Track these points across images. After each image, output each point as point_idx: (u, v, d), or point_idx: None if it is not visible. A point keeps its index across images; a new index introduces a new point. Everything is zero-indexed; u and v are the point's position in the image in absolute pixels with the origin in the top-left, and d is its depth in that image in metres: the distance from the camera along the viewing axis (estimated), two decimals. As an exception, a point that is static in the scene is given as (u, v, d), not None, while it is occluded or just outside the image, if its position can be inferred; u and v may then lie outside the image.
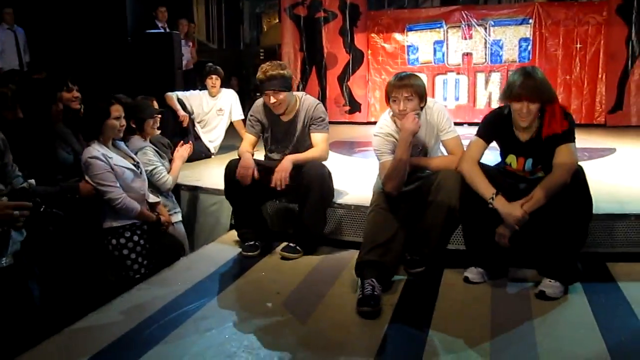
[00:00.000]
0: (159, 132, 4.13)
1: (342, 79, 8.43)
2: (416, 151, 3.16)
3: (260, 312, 2.70)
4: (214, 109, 5.69)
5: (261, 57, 9.24)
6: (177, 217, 3.84)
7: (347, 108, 8.55)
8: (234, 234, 3.73)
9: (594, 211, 3.11)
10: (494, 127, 2.99)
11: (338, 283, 3.04)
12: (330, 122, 8.05)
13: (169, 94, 5.57)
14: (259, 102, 3.62)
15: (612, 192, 3.76)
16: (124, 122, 3.41)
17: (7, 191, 2.30)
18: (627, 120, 7.25)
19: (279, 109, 3.49)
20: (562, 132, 2.80)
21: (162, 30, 7.32)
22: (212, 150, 5.68)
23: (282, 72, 3.43)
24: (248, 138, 3.64)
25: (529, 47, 7.75)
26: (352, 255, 3.33)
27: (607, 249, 3.24)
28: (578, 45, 7.42)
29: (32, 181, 2.54)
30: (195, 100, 5.66)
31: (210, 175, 4.56)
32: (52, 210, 2.50)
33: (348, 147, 6.17)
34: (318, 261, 3.36)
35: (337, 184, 3.79)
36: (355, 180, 4.22)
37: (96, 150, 3.27)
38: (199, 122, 5.67)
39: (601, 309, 2.65)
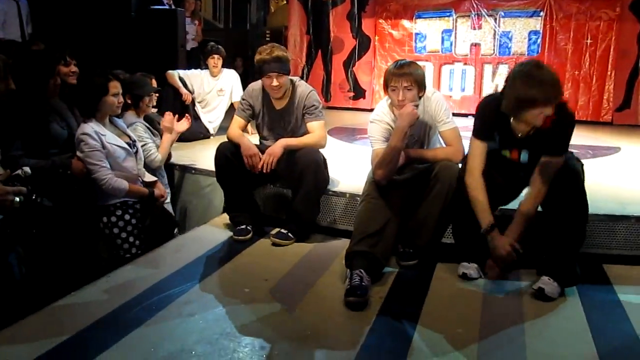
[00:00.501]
0: (154, 110, 4.07)
1: (348, 64, 8.33)
2: (412, 141, 3.09)
3: (246, 298, 2.65)
4: (215, 89, 5.61)
5: (267, 38, 9.11)
6: (166, 199, 3.78)
7: (352, 94, 8.47)
8: (226, 217, 3.67)
9: (594, 211, 3.07)
10: (491, 124, 2.86)
11: (328, 272, 2.99)
12: (334, 108, 8.16)
13: (171, 72, 5.49)
14: (255, 85, 3.54)
15: (614, 192, 3.69)
16: (121, 99, 3.37)
17: (3, 177, 2.26)
18: (634, 119, 7.14)
19: (278, 93, 3.41)
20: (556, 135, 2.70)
21: (167, 7, 7.21)
22: (211, 131, 5.61)
23: (286, 54, 3.37)
24: (237, 121, 3.56)
25: (539, 40, 7.64)
26: (345, 244, 3.26)
27: (604, 251, 3.17)
28: (588, 41, 7.29)
29: (27, 169, 2.48)
30: (197, 80, 5.58)
31: (206, 156, 4.48)
32: (41, 201, 2.48)
33: (349, 133, 6.10)
34: (309, 249, 3.30)
35: (335, 172, 3.75)
36: (354, 168, 4.14)
37: (90, 127, 3.21)
38: (199, 102, 5.61)
39: (594, 311, 2.59)
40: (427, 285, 2.85)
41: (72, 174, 3.18)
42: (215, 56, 5.54)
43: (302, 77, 8.18)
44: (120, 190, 3.25)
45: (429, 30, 8.14)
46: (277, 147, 3.34)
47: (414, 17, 8.17)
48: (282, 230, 3.36)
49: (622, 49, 7.13)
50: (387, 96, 3.07)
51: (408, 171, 3.05)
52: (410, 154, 3.05)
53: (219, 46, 5.67)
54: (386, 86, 3.02)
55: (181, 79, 5.50)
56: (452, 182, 2.94)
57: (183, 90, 5.43)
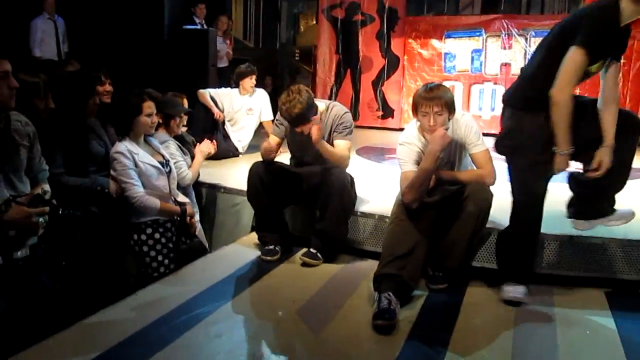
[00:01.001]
0: (185, 129, 4.11)
1: (377, 83, 8.32)
2: (442, 163, 3.05)
3: (274, 319, 2.63)
4: (244, 107, 5.65)
5: (296, 58, 9.20)
6: (196, 217, 3.80)
7: (380, 113, 8.45)
8: (254, 236, 3.68)
9: (629, 235, 3.09)
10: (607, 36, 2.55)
11: (356, 294, 2.96)
12: (362, 127, 8.15)
13: (202, 91, 5.55)
14: None
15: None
16: (155, 119, 3.42)
17: (27, 200, 2.30)
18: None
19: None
20: None
21: (199, 27, 7.34)
22: (240, 150, 5.65)
23: (303, 103, 3.29)
24: (272, 138, 3.58)
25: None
26: (373, 265, 3.23)
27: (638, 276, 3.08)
28: (622, 61, 7.16)
29: (47, 186, 2.54)
30: (226, 98, 5.63)
31: (235, 174, 4.52)
32: (70, 212, 2.51)
33: (378, 153, 6.07)
34: (337, 270, 3.28)
35: (363, 191, 3.73)
36: (383, 188, 4.12)
37: (123, 145, 3.27)
38: (228, 121, 5.65)
39: (630, 339, 2.51)
40: (457, 309, 2.80)
41: (109, 193, 3.23)
42: (253, 76, 5.59)
43: (330, 97, 8.22)
44: (152, 208, 3.28)
45: (458, 50, 8.10)
46: (319, 132, 3.32)
47: (444, 37, 8.14)
48: (312, 250, 3.35)
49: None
50: (416, 118, 3.04)
51: (438, 193, 3.01)
52: (442, 175, 3.02)
53: (254, 66, 5.72)
54: (415, 110, 2.99)
55: (212, 98, 5.55)
56: (483, 205, 2.91)
57: (215, 109, 5.49)
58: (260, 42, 9.78)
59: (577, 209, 3.01)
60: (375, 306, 2.65)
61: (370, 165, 5.34)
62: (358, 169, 4.89)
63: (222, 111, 5.57)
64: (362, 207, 3.58)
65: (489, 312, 2.80)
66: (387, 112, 8.43)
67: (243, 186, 4.02)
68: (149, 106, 3.33)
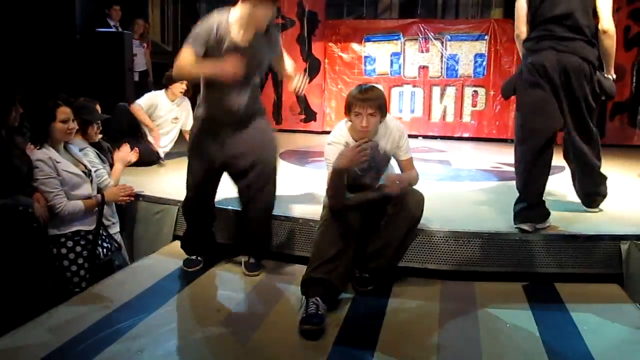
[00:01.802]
0: (100, 136, 3.93)
1: (298, 87, 8.30)
2: (369, 166, 3.03)
3: (198, 331, 2.55)
4: (170, 115, 5.47)
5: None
6: (116, 228, 3.65)
7: (303, 116, 8.46)
8: (176, 245, 3.57)
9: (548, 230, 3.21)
10: None
11: (282, 301, 2.92)
12: (285, 131, 8.11)
13: (136, 106, 5.30)
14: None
15: (563, 210, 3.75)
16: (72, 125, 3.22)
17: None
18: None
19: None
20: None
21: (114, 29, 7.07)
22: (161, 155, 5.47)
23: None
24: None
25: (484, 63, 7.84)
26: (300, 270, 3.22)
27: (555, 269, 3.21)
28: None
29: None
30: (155, 102, 5.41)
31: (154, 182, 4.37)
32: None
33: (301, 156, 6.06)
34: (262, 277, 3.22)
35: (287, 196, 3.70)
36: (307, 191, 4.11)
37: (44, 153, 3.10)
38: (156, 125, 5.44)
39: (549, 331, 2.61)
40: (384, 310, 2.81)
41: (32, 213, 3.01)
42: (185, 82, 5.40)
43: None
44: (77, 212, 3.15)
45: (378, 53, 8.25)
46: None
47: (363, 40, 8.26)
48: (251, 261, 3.26)
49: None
50: (347, 118, 3.03)
51: (360, 195, 3.01)
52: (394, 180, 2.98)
53: None
54: (349, 110, 2.95)
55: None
56: (418, 208, 2.98)
57: (152, 125, 5.30)
58: (179, 46, 9.56)
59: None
60: (303, 311, 2.62)
61: (294, 169, 5.32)
62: (281, 173, 4.86)
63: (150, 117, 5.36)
64: (287, 212, 3.54)
65: (414, 311, 2.83)
66: (310, 115, 8.46)
67: (163, 194, 3.93)
68: (64, 112, 3.16)
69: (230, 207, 3.58)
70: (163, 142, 5.46)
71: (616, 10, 7.06)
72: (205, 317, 2.68)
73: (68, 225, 3.17)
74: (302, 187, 4.29)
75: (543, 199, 3.33)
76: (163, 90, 5.46)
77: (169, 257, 3.50)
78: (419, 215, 3.01)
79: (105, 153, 3.88)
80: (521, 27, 3.40)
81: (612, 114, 7.36)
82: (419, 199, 3.00)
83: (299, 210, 3.59)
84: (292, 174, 4.98)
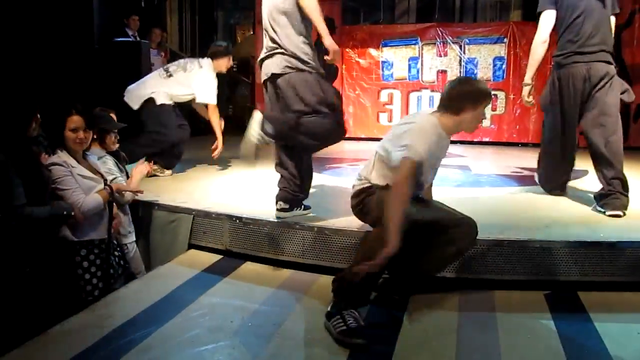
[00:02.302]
0: (118, 145, 3.94)
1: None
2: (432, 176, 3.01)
3: (211, 342, 2.51)
4: None
5: (234, 69, 9.06)
6: (131, 238, 3.64)
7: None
8: (191, 253, 3.55)
9: (568, 237, 3.16)
10: None
11: (297, 311, 2.87)
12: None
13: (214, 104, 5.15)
14: None
15: (585, 217, 3.66)
16: (83, 134, 3.18)
17: None
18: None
19: None
20: None
21: (132, 39, 7.12)
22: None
23: None
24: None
25: (504, 66, 7.73)
26: (313, 279, 3.20)
27: (578, 277, 3.12)
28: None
29: None
30: None
31: (169, 190, 4.35)
32: None
33: (319, 163, 5.97)
34: (277, 285, 3.18)
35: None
36: (322, 199, 4.06)
37: (57, 157, 3.12)
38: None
39: (570, 341, 2.53)
40: (400, 321, 2.74)
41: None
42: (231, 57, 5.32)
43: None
44: (97, 207, 3.16)
45: (395, 58, 8.18)
46: None
47: (380, 46, 8.21)
48: None
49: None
50: (469, 113, 2.83)
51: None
52: None
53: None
54: (478, 103, 2.80)
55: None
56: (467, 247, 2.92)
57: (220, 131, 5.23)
58: (197, 53, 9.59)
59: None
60: (341, 322, 2.54)
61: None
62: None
63: None
64: (300, 220, 3.49)
65: (431, 321, 2.76)
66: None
67: (179, 201, 3.91)
68: (73, 121, 3.14)
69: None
70: None
71: (638, 9, 6.98)
72: (219, 327, 2.65)
73: (85, 233, 3.16)
74: (317, 194, 4.24)
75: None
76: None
77: (184, 266, 3.48)
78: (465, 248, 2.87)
79: (122, 162, 3.88)
80: None
81: (636, 116, 7.20)
82: (471, 231, 2.80)
83: (314, 218, 3.55)
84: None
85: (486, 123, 7.88)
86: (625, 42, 7.04)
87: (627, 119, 7.13)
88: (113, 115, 3.97)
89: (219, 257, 3.62)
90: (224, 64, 5.25)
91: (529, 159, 6.08)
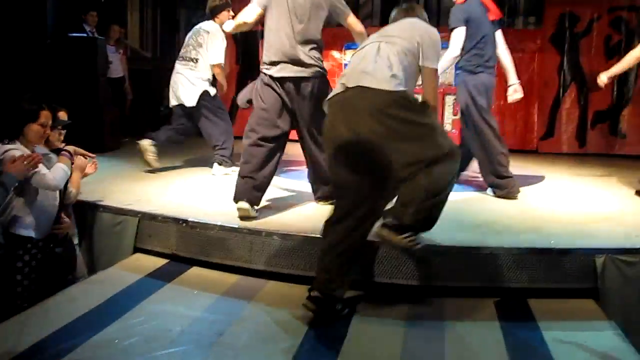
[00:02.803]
0: (64, 144, 3.77)
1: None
2: None
3: (146, 352, 2.39)
4: None
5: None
6: (74, 241, 3.48)
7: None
8: (136, 258, 3.43)
9: (519, 244, 3.14)
10: None
11: (242, 317, 2.77)
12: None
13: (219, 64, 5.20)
14: None
15: (537, 223, 3.64)
16: (49, 131, 3.17)
17: None
18: (558, 147, 7.29)
19: None
20: None
21: (89, 34, 6.91)
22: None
23: None
24: None
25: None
26: (259, 285, 3.11)
27: (528, 284, 3.09)
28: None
29: None
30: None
31: (115, 191, 4.18)
32: None
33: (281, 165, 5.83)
34: (223, 291, 3.07)
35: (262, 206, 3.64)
36: (280, 203, 3.98)
37: (11, 146, 3.00)
38: None
39: (518, 351, 2.50)
40: (346, 330, 2.66)
41: None
42: (230, 9, 5.21)
43: (231, 108, 7.99)
44: (65, 174, 3.17)
45: (358, 61, 8.15)
46: None
47: (344, 48, 8.14)
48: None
49: (544, 79, 7.30)
50: None
51: None
52: None
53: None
54: None
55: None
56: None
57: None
58: (158, 52, 9.39)
59: None
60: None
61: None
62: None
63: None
64: (256, 224, 3.40)
65: (378, 331, 2.69)
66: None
67: (125, 203, 3.77)
68: (46, 116, 3.11)
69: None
70: None
71: (596, 18, 7.08)
72: (156, 336, 2.53)
73: (25, 228, 3.02)
74: (275, 199, 4.14)
75: None
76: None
77: (128, 270, 3.34)
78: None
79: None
80: None
81: (593, 123, 7.29)
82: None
83: (266, 223, 3.45)
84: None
85: (447, 127, 7.88)
86: (583, 51, 7.11)
87: (584, 125, 7.23)
88: (64, 113, 3.81)
89: (165, 261, 3.50)
90: (226, 16, 5.18)
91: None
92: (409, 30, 2.90)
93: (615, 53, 7.11)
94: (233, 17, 4.83)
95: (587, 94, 7.05)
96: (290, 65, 3.54)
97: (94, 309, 2.81)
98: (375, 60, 2.73)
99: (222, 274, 3.30)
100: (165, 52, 9.61)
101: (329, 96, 2.81)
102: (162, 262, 3.48)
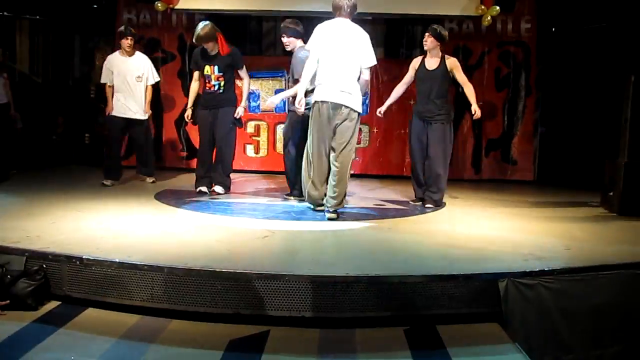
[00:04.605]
0: None
1: (179, 123, 7.97)
2: None
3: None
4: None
5: (92, 95, 8.50)
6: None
7: (185, 154, 8.10)
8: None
9: (427, 271, 3.16)
10: None
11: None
12: (166, 168, 7.69)
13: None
14: None
15: (442, 249, 3.71)
16: None
17: None
18: (459, 174, 7.54)
19: None
20: None
21: (-34, 58, 6.42)
22: None
23: None
24: None
25: (367, 101, 7.91)
26: (162, 325, 2.93)
27: (436, 310, 3.12)
28: (412, 102, 7.68)
29: None
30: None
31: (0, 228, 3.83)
32: None
33: (178, 196, 5.63)
34: (121, 334, 2.85)
35: (162, 240, 3.45)
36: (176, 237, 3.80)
37: None
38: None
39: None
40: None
41: None
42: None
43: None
44: None
45: (262, 90, 8.11)
46: None
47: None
48: None
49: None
50: None
51: None
52: None
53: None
54: None
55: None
56: None
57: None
58: (49, 77, 8.90)
59: None
60: None
61: (169, 210, 4.91)
62: (156, 215, 4.52)
63: None
64: (149, 260, 3.21)
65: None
66: (192, 152, 8.09)
67: (10, 241, 3.45)
68: None
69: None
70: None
71: (487, 52, 7.51)
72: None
73: None
74: (172, 231, 3.95)
75: None
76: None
77: (11, 317, 3.02)
78: None
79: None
80: None
81: (487, 151, 7.66)
82: None
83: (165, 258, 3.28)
84: (168, 215, 4.62)
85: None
86: (476, 82, 7.49)
87: (479, 153, 7.58)
88: None
89: (56, 303, 3.21)
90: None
91: (391, 192, 6.22)
92: None
93: (505, 85, 7.57)
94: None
95: (480, 124, 7.38)
96: None
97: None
98: None
99: (120, 314, 3.08)
100: (58, 78, 9.16)
101: None
102: (53, 305, 3.19)
